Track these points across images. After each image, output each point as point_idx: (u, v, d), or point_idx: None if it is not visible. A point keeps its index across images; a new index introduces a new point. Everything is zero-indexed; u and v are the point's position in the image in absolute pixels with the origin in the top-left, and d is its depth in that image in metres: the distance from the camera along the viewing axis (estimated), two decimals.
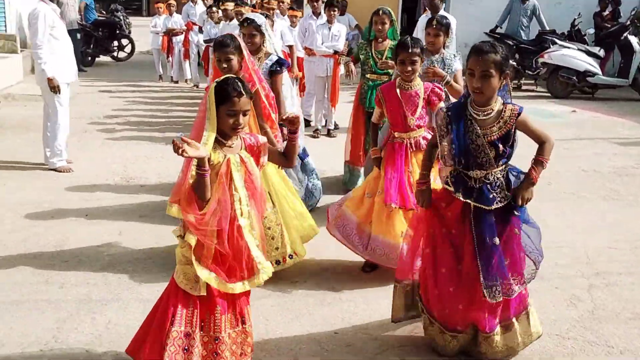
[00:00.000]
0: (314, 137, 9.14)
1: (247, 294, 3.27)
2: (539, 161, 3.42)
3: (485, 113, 3.33)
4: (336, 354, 3.71)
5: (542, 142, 3.44)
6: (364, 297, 4.41)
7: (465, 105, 3.38)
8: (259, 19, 5.27)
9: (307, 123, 9.76)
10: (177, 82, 13.81)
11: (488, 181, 3.37)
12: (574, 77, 12.54)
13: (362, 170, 6.52)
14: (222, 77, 3.10)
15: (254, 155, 3.21)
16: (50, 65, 6.71)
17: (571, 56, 12.53)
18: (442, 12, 9.34)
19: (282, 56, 5.78)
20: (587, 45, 13.18)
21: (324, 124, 9.43)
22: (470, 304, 3.50)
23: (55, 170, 7.00)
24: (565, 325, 4.08)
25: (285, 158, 3.40)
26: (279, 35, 8.29)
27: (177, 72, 13.81)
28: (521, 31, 13.74)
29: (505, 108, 3.34)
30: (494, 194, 3.37)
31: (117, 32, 16.73)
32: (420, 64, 4.54)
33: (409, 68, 4.47)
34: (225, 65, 4.35)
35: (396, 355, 3.71)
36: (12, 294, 4.29)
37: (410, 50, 4.42)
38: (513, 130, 3.33)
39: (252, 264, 3.16)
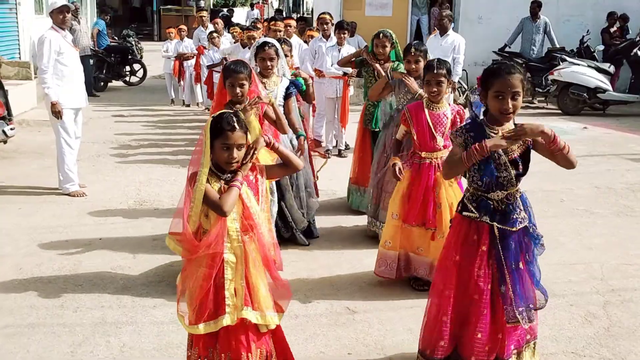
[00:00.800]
0: (325, 157, 9.17)
1: (247, 336, 3.14)
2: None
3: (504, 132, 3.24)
4: None
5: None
6: (378, 317, 4.40)
7: (482, 125, 3.30)
8: (276, 43, 5.34)
9: (318, 143, 9.82)
10: (188, 105, 13.91)
11: (509, 202, 3.32)
12: (585, 94, 12.52)
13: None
14: (217, 113, 3.13)
15: (252, 189, 3.20)
16: (54, 90, 6.83)
17: (581, 73, 12.53)
18: (450, 32, 9.43)
19: (299, 79, 5.90)
20: (597, 61, 13.19)
21: (334, 144, 9.47)
22: (495, 333, 3.36)
23: (68, 195, 7.07)
24: (581, 343, 4.05)
25: (285, 166, 3.36)
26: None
27: (188, 95, 13.92)
28: (534, 49, 13.75)
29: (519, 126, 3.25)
30: (516, 214, 3.32)
31: (129, 57, 16.90)
32: (446, 85, 4.63)
33: (435, 88, 4.58)
34: (238, 91, 4.33)
35: None
36: (27, 318, 4.32)
37: (435, 71, 4.54)
38: (531, 146, 3.30)
39: (222, 303, 3.08)
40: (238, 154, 3.06)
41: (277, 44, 5.34)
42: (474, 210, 3.34)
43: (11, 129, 8.57)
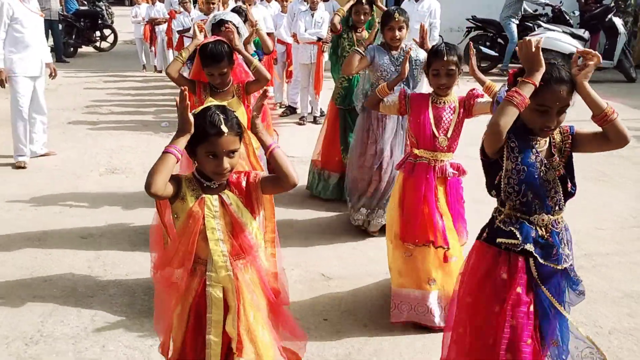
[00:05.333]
0: (300, 124, 9.11)
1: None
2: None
3: (542, 143, 2.60)
4: (326, 340, 3.69)
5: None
6: (353, 283, 4.39)
7: (527, 130, 2.56)
8: (235, 18, 4.63)
9: (293, 110, 9.73)
10: (160, 71, 13.68)
11: (556, 229, 2.60)
12: (560, 60, 12.53)
13: (337, 176, 5.88)
14: (199, 109, 2.43)
15: (244, 197, 2.50)
16: (2, 57, 6.56)
17: (556, 39, 12.52)
18: None
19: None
20: (572, 27, 13.19)
21: (309, 111, 9.38)
22: None
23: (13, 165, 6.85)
24: None
25: (278, 180, 2.48)
26: (262, 22, 8.19)
27: (160, 61, 13.70)
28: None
29: (552, 135, 2.62)
30: (561, 248, 2.59)
31: (99, 22, 16.57)
32: (458, 74, 3.73)
33: (444, 81, 3.67)
34: (219, 80, 3.86)
35: (386, 341, 3.69)
36: None
37: (446, 58, 3.61)
38: (571, 155, 2.63)
39: (203, 349, 2.49)
40: (230, 162, 2.38)
41: (236, 18, 4.64)
42: (517, 235, 2.54)
43: None
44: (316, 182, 6.06)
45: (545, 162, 2.54)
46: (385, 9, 5.16)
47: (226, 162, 2.36)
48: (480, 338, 2.64)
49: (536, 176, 2.52)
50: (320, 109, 9.33)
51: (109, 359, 3.46)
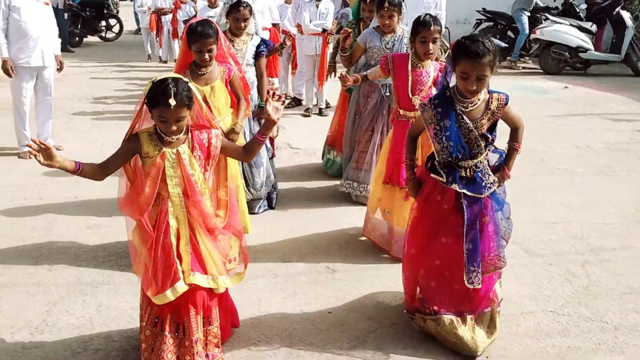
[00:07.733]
0: (305, 115, 9.08)
1: (214, 295, 3.16)
2: (514, 149, 3.48)
3: (473, 104, 3.26)
4: (330, 333, 3.68)
5: (516, 128, 3.46)
6: (358, 276, 4.38)
7: (451, 98, 3.28)
8: (250, 1, 4.99)
9: (299, 102, 9.70)
10: (166, 61, 13.68)
11: (479, 169, 3.34)
12: (567, 53, 12.48)
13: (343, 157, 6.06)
14: (159, 77, 2.88)
15: (203, 152, 3.05)
16: (6, 46, 6.52)
17: (564, 32, 12.48)
18: None
19: (264, 36, 5.56)
20: (582, 20, 13.11)
21: (315, 102, 9.35)
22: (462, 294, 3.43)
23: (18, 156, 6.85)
24: (560, 302, 4.06)
25: (245, 152, 3.22)
26: (267, 12, 8.20)
27: (165, 51, 13.69)
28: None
29: (492, 97, 3.29)
30: (485, 180, 3.35)
31: (105, 11, 16.55)
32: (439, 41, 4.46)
33: (430, 47, 4.32)
34: (207, 57, 4.16)
35: (390, 335, 3.68)
36: (0, 278, 4.23)
37: (432, 28, 4.26)
38: (499, 118, 3.34)
39: (171, 270, 2.98)
40: (178, 126, 2.89)
41: (251, 2, 5.00)
42: (443, 176, 3.34)
43: None
44: (327, 159, 6.44)
45: (469, 123, 3.23)
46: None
47: (174, 126, 2.87)
48: (430, 253, 3.45)
49: (460, 136, 3.24)
50: (326, 100, 9.30)
51: (113, 349, 3.46)
